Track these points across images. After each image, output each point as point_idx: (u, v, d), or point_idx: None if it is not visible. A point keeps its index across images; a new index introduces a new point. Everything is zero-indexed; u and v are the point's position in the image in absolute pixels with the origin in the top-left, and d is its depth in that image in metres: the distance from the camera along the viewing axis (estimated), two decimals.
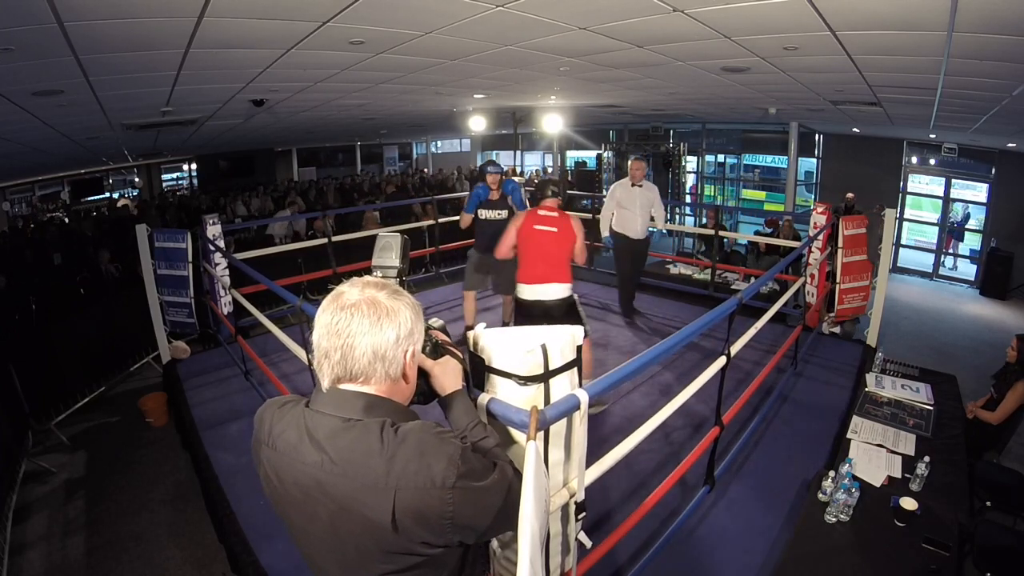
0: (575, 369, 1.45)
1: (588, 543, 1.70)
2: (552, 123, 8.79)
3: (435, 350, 1.05)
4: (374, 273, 0.98)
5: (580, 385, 1.46)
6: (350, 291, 0.90)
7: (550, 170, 14.81)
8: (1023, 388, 3.02)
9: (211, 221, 4.68)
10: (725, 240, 7.13)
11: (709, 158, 12.38)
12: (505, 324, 4.49)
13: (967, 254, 9.61)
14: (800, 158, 10.25)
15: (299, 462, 0.88)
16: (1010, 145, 7.78)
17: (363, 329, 0.86)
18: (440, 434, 0.88)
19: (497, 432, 1.37)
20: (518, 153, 11.56)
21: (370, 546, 0.86)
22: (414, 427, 0.87)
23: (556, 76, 4.98)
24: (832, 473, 2.32)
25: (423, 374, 1.04)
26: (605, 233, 4.92)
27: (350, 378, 0.88)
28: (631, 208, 4.69)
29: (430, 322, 1.07)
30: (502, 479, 0.89)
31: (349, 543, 0.87)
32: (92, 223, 9.70)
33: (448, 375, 1.07)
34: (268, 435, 0.93)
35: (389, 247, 0.98)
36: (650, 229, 4.97)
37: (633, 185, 4.68)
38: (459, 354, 1.12)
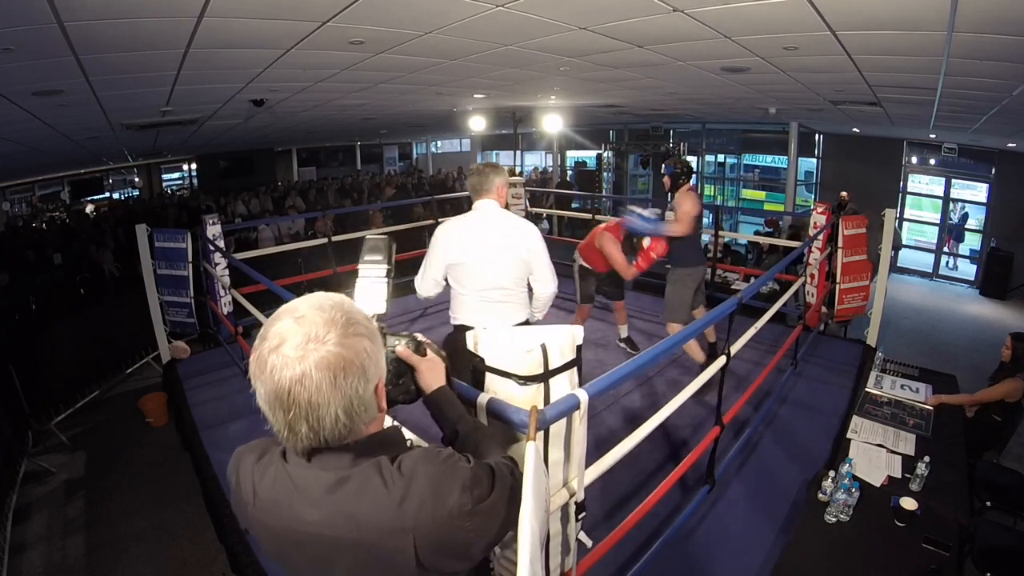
0: (575, 369, 1.46)
1: (588, 543, 1.70)
2: (552, 123, 8.80)
3: (418, 348, 1.02)
4: (360, 275, 0.93)
5: (580, 385, 1.46)
6: (289, 340, 0.72)
7: (549, 170, 14.81)
8: (1011, 384, 3.02)
9: (211, 221, 4.68)
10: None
11: (709, 158, 12.38)
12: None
13: (967, 254, 9.62)
14: (800, 158, 10.26)
15: (296, 524, 0.80)
16: (1010, 145, 7.78)
17: (323, 394, 0.72)
18: (447, 460, 0.82)
19: (497, 432, 1.37)
20: (518, 153, 11.56)
21: None
22: (419, 459, 0.80)
23: (556, 76, 4.98)
24: (832, 473, 2.32)
25: (410, 371, 1.01)
26: None
27: (325, 446, 0.77)
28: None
29: (415, 335, 1.03)
30: (502, 488, 0.85)
31: None
32: (92, 223, 9.72)
33: (435, 371, 1.03)
34: (253, 495, 0.84)
35: (377, 249, 0.95)
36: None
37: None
38: (442, 352, 1.08)
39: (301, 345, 0.72)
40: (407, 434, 1.06)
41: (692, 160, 12.10)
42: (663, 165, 3.70)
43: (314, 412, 0.72)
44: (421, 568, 0.78)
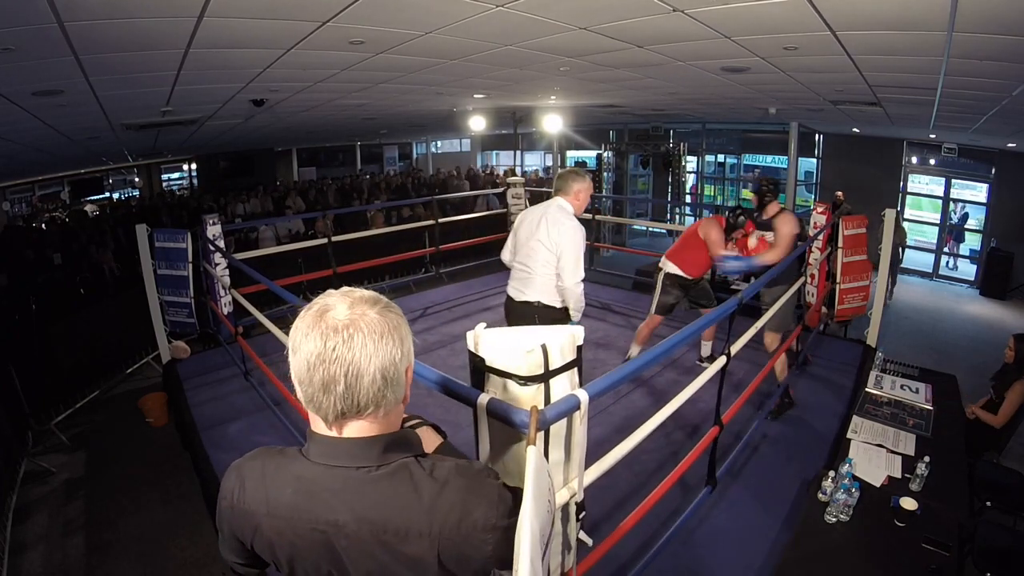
0: (575, 369, 1.45)
1: (589, 542, 1.70)
2: (552, 123, 8.79)
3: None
4: None
5: (580, 385, 1.46)
6: (337, 307, 0.78)
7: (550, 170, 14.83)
8: (1021, 388, 3.03)
9: (211, 221, 4.68)
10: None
11: (709, 158, 12.39)
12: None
13: (967, 254, 9.62)
14: (800, 158, 10.24)
15: (319, 526, 0.79)
16: (1010, 145, 7.79)
17: (367, 352, 0.75)
18: (479, 474, 0.83)
19: (497, 432, 1.37)
20: (518, 153, 11.57)
21: None
22: (453, 469, 0.82)
23: (556, 76, 4.98)
24: (832, 473, 2.32)
25: None
26: None
27: (356, 411, 0.78)
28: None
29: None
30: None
31: None
32: (92, 223, 9.71)
33: (429, 442, 1.01)
34: (266, 503, 0.82)
35: None
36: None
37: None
38: (425, 419, 1.08)
39: (347, 308, 0.78)
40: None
41: (692, 160, 12.13)
42: (750, 183, 3.79)
43: (354, 368, 0.75)
44: (441, 573, 0.79)
